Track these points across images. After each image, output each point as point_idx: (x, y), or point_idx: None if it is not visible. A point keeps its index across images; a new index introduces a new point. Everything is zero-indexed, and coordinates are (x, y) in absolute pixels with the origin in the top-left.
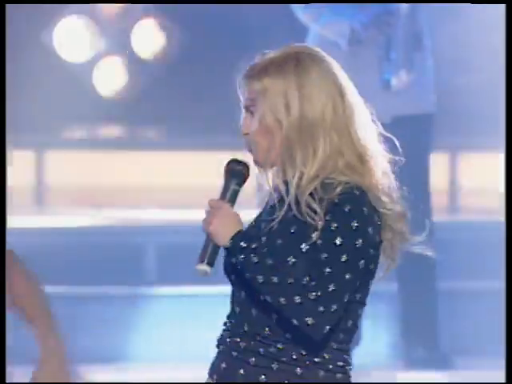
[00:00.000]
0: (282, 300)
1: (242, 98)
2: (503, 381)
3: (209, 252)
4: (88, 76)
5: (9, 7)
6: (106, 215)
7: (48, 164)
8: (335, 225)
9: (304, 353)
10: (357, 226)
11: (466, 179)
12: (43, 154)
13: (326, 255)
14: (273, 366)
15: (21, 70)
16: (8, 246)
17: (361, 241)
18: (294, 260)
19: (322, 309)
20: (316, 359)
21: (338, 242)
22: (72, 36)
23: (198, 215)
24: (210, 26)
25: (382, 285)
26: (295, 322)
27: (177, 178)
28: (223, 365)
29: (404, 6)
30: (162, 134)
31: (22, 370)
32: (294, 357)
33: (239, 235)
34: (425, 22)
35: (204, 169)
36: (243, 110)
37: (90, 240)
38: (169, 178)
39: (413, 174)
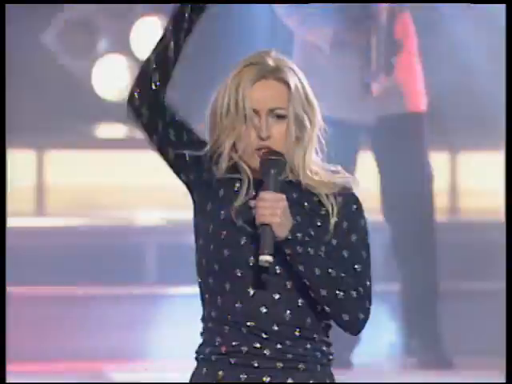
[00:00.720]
0: (340, 293)
1: (250, 99)
2: (503, 381)
3: (270, 242)
4: (88, 76)
5: (9, 7)
6: (106, 215)
7: (47, 164)
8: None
9: (325, 350)
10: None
11: (466, 179)
12: (43, 154)
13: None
14: (299, 366)
15: (21, 70)
16: (8, 246)
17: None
18: (346, 254)
19: (368, 305)
20: (330, 356)
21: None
22: (72, 36)
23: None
24: (211, 25)
25: (383, 284)
26: (346, 316)
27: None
28: (243, 375)
29: (384, 9)
30: None
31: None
32: (318, 355)
33: (295, 227)
34: (411, 23)
35: None
36: (263, 113)
37: (90, 240)
38: (169, 178)
39: (406, 172)
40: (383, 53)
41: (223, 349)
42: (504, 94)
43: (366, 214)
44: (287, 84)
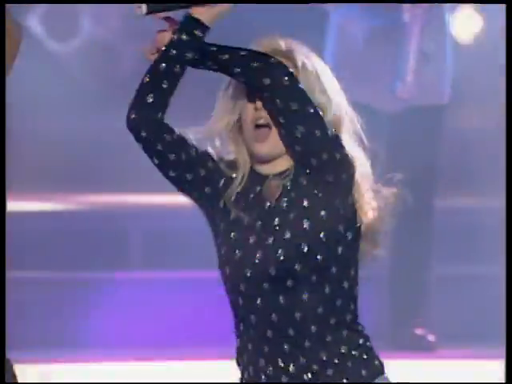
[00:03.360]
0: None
1: None
2: (503, 381)
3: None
4: (76, 65)
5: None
6: (91, 200)
7: (35, 151)
8: None
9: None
10: None
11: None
12: (32, 142)
13: None
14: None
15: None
16: None
17: None
18: None
19: None
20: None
21: None
22: (58, 24)
23: (185, 199)
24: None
25: (373, 269)
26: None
27: None
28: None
29: (412, 25)
30: None
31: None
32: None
33: None
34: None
35: None
36: None
37: (75, 225)
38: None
39: (418, 165)
40: (410, 62)
41: None
42: (504, 94)
43: None
44: (295, 64)
